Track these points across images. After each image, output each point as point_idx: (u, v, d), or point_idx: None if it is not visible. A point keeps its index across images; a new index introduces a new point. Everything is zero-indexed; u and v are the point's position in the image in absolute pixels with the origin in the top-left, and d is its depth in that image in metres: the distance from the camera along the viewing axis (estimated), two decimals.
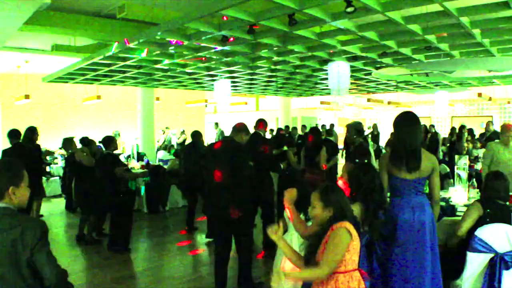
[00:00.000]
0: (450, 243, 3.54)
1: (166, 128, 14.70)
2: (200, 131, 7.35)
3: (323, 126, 15.64)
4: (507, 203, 3.49)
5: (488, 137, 9.68)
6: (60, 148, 10.06)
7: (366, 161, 4.46)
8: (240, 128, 4.44)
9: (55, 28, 6.61)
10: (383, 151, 9.13)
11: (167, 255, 5.89)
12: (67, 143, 6.61)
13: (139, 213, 8.11)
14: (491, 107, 17.55)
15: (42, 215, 7.71)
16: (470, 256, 3.18)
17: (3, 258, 1.95)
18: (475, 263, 3.16)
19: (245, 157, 4.28)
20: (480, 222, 3.32)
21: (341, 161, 8.57)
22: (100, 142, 6.71)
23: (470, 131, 11.26)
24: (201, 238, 6.55)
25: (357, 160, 4.48)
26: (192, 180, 6.64)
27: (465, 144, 9.49)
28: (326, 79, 9.86)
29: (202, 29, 5.99)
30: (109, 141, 5.89)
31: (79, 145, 6.88)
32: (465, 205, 4.22)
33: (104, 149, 6.09)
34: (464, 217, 3.42)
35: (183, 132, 14.83)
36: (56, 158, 11.06)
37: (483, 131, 10.89)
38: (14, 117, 12.20)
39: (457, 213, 4.05)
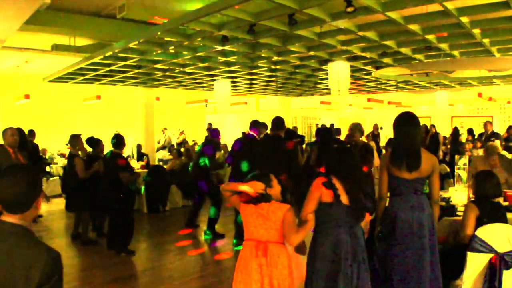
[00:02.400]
0: (459, 239, 3.50)
1: (164, 128, 14.70)
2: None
3: (331, 125, 15.49)
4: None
5: (487, 137, 9.68)
6: (67, 144, 9.91)
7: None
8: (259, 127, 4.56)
9: (55, 28, 6.61)
10: (383, 151, 9.12)
11: (167, 255, 5.89)
12: (74, 139, 6.58)
13: (139, 213, 8.10)
14: (491, 107, 17.53)
15: (41, 215, 7.70)
16: (470, 256, 3.17)
17: None
18: (475, 263, 3.16)
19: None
20: (477, 223, 3.32)
21: None
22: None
23: (470, 131, 11.26)
24: (201, 238, 6.55)
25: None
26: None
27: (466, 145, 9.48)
28: (326, 79, 9.85)
29: (202, 29, 5.98)
30: (120, 141, 5.80)
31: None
32: (464, 205, 4.20)
33: (113, 149, 5.90)
34: (464, 221, 3.39)
35: (182, 132, 14.82)
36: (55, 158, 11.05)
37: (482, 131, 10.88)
38: (14, 117, 12.17)
39: (457, 213, 4.05)
